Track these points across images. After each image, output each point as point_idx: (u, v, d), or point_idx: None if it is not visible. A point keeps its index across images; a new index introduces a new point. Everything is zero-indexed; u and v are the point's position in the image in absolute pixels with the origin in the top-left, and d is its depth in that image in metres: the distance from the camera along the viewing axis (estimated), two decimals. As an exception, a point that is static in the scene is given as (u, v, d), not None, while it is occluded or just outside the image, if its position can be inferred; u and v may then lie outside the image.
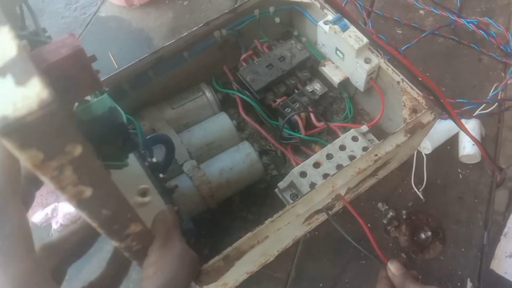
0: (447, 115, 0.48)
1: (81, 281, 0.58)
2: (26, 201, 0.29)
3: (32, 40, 0.42)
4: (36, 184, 0.28)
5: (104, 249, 0.59)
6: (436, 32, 0.75)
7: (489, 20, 0.74)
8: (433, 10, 0.77)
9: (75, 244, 0.29)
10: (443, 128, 0.63)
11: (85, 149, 0.18)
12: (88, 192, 0.20)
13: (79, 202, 0.20)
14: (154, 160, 0.40)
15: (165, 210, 0.31)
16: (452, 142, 0.64)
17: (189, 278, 0.28)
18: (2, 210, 0.22)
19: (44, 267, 0.23)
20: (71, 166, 0.18)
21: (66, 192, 0.19)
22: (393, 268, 0.48)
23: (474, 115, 0.65)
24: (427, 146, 0.62)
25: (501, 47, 0.72)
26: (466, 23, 0.74)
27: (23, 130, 0.15)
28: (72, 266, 0.30)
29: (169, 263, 0.27)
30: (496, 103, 0.66)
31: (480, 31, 0.73)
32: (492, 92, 0.68)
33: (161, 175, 0.42)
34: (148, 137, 0.45)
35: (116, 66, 0.74)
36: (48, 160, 0.17)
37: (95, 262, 0.58)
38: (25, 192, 0.28)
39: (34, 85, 0.15)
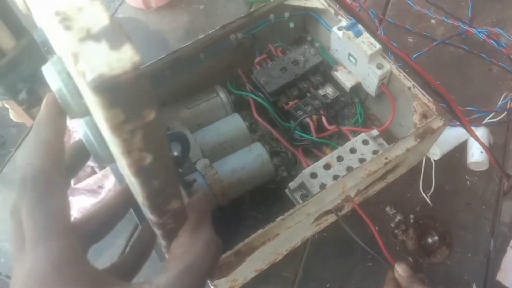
0: (456, 122, 0.50)
1: (100, 265, 0.59)
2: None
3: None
4: (72, 171, 0.30)
5: (117, 244, 0.60)
6: (447, 41, 0.76)
7: (500, 30, 0.75)
8: (445, 19, 0.78)
9: (96, 226, 0.30)
10: (452, 135, 0.64)
11: (157, 115, 0.19)
12: (148, 159, 0.21)
13: (138, 169, 0.21)
14: (175, 154, 0.42)
15: (200, 195, 0.32)
16: (460, 149, 0.65)
17: (214, 264, 0.29)
18: (48, 187, 0.24)
19: (79, 245, 0.25)
20: (142, 131, 0.19)
21: (131, 157, 0.20)
22: (400, 270, 0.49)
23: (483, 123, 0.66)
24: (436, 152, 0.63)
25: (511, 57, 0.73)
26: (477, 33, 0.75)
27: (116, 89, 0.17)
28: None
29: (196, 247, 0.28)
30: (505, 112, 0.67)
31: (491, 40, 0.74)
32: (502, 101, 0.69)
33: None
34: (167, 133, 0.46)
35: (132, 66, 0.75)
36: (126, 122, 0.18)
37: (107, 256, 0.59)
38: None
39: (126, 50, 0.17)
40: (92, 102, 0.17)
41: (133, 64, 0.17)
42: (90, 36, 0.17)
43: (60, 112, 0.25)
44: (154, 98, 0.18)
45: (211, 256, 0.29)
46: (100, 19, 0.17)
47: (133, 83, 0.17)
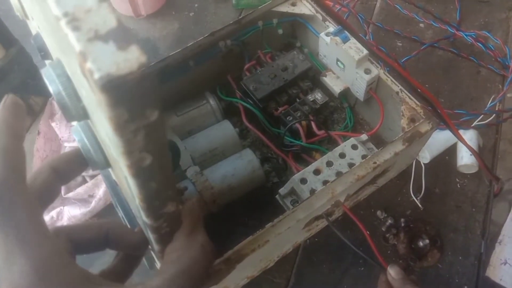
0: (445, 126, 0.50)
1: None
2: (51, 193, 0.29)
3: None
4: (63, 178, 0.29)
5: (108, 253, 0.60)
6: (435, 44, 0.77)
7: (487, 33, 0.76)
8: (433, 23, 0.79)
9: (90, 239, 0.30)
10: (441, 138, 0.64)
11: (160, 115, 0.19)
12: (148, 160, 0.21)
13: (137, 170, 0.21)
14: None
15: (194, 201, 0.32)
16: (450, 152, 0.66)
17: (208, 267, 0.30)
18: (12, 198, 0.23)
19: (63, 250, 0.24)
20: (144, 131, 0.19)
21: (132, 157, 0.20)
22: (393, 272, 0.49)
23: (472, 126, 0.66)
24: (425, 155, 0.63)
25: (499, 59, 0.74)
26: (465, 36, 0.76)
27: (122, 88, 0.17)
28: None
29: (192, 251, 0.28)
30: (494, 114, 0.68)
31: (478, 44, 0.75)
32: (490, 104, 0.69)
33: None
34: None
35: (123, 74, 0.75)
36: (130, 121, 0.18)
37: (98, 266, 0.59)
38: (51, 184, 0.29)
39: (133, 51, 0.17)
40: (98, 101, 0.18)
41: (140, 64, 0.17)
42: (98, 37, 0.17)
43: (18, 116, 0.24)
44: (157, 99, 0.19)
45: (206, 260, 0.29)
46: (107, 21, 0.18)
47: (139, 82, 0.17)
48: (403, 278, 0.48)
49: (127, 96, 0.17)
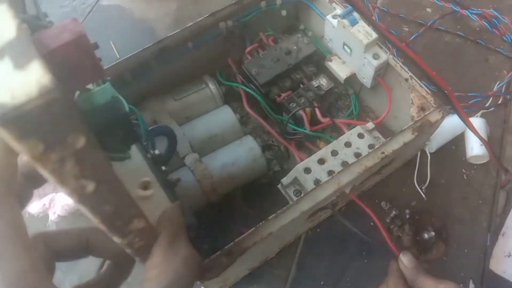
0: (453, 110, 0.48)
1: (76, 275, 0.57)
2: (23, 199, 0.28)
3: (33, 24, 0.40)
4: (35, 181, 0.27)
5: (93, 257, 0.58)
6: (440, 27, 0.74)
7: (494, 12, 0.73)
8: (436, 2, 0.76)
9: (69, 247, 0.28)
10: (448, 127, 0.62)
11: (89, 140, 0.17)
12: (90, 186, 0.18)
13: (81, 197, 0.19)
14: (156, 152, 0.39)
15: (172, 208, 0.29)
16: (457, 142, 0.64)
17: (193, 282, 0.27)
18: None
19: (40, 265, 0.22)
20: (73, 158, 0.17)
21: (68, 186, 0.18)
22: (405, 260, 0.46)
23: (481, 112, 0.64)
24: (431, 144, 0.61)
25: (504, 38, 0.72)
26: (470, 15, 0.73)
27: (22, 120, 0.14)
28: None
29: (174, 265, 0.26)
30: (502, 97, 0.66)
31: (484, 22, 0.72)
32: (498, 85, 0.67)
33: (163, 168, 0.41)
34: (150, 128, 0.44)
35: (118, 56, 0.72)
36: (49, 151, 0.16)
37: (91, 258, 0.57)
38: (22, 189, 0.27)
39: (34, 69, 0.14)
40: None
41: (41, 88, 0.14)
42: None
43: None
44: (79, 122, 0.16)
45: (190, 274, 0.26)
46: (5, 29, 0.15)
47: (43, 110, 0.14)
48: (416, 267, 0.45)
49: (34, 126, 0.14)
